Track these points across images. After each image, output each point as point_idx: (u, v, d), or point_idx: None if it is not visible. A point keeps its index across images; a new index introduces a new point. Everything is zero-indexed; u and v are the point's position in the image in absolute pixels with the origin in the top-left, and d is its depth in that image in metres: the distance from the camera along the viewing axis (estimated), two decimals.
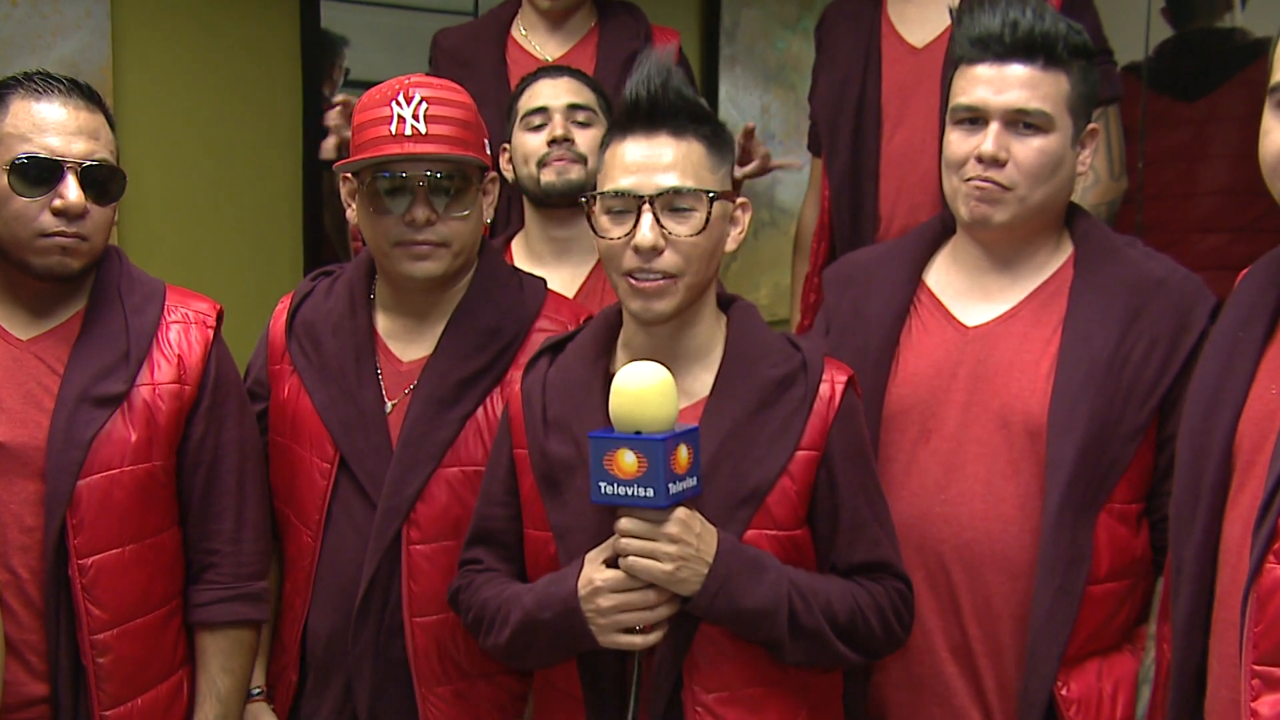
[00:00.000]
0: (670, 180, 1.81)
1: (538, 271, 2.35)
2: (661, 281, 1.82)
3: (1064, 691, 1.92)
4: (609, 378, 1.85)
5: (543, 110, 2.58)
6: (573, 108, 2.57)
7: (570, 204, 2.54)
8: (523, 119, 2.61)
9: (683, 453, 1.72)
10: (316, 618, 2.13)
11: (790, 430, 1.84)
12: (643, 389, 1.70)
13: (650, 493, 1.70)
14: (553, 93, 2.59)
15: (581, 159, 2.54)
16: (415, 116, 2.03)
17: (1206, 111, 3.63)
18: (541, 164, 2.55)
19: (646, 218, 1.80)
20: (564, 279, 2.56)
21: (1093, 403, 1.92)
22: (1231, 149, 3.71)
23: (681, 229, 1.82)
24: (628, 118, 1.86)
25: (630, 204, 1.82)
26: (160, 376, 2.03)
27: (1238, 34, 3.75)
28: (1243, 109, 3.59)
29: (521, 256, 2.65)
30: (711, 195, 1.83)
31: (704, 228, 1.82)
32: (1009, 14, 1.96)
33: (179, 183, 3.35)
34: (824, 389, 1.86)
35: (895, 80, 2.61)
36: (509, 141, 2.65)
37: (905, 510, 1.99)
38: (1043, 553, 1.92)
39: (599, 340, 1.95)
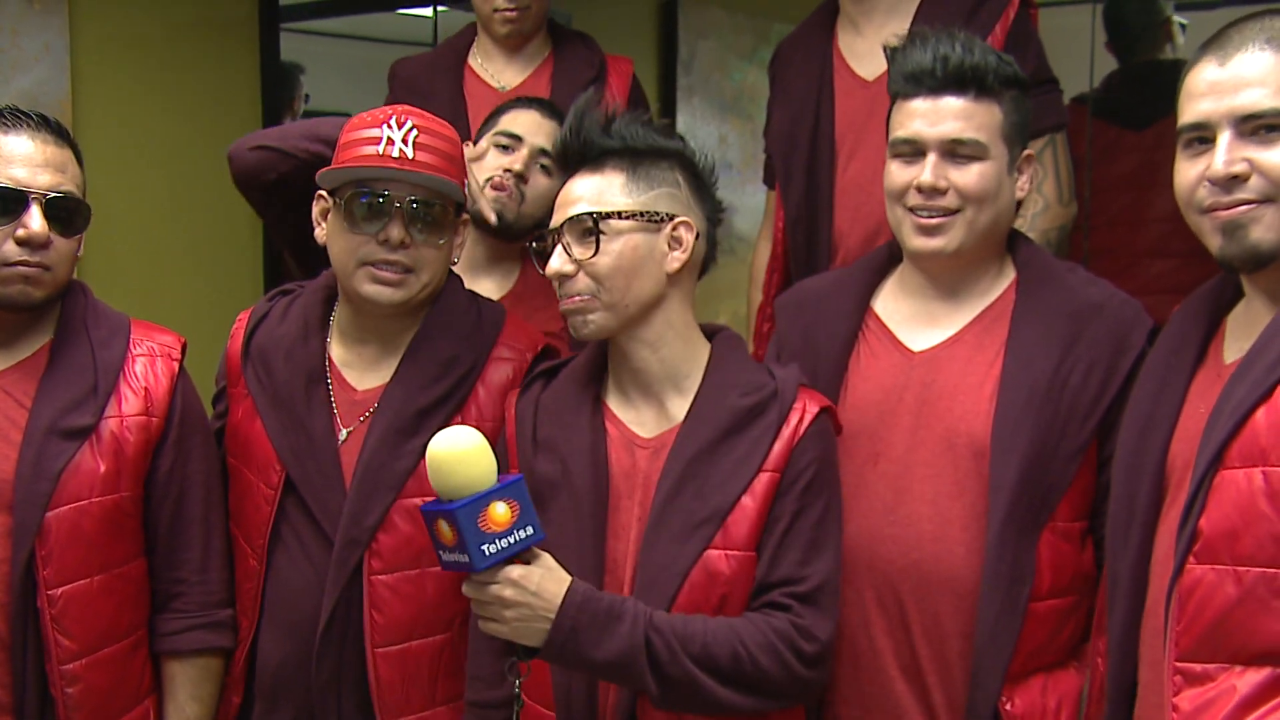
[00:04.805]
0: (579, 209, 1.92)
1: (475, 278, 2.37)
2: (577, 300, 1.92)
3: (1009, 707, 1.95)
4: (598, 401, 1.96)
5: (517, 138, 2.62)
6: (543, 152, 2.60)
7: (490, 231, 2.58)
8: (495, 134, 2.64)
9: (498, 509, 1.68)
10: (267, 644, 2.13)
11: (756, 453, 1.88)
12: (437, 456, 1.69)
13: (465, 558, 1.69)
14: (534, 129, 2.63)
15: (522, 198, 2.59)
16: (404, 141, 2.05)
17: (1155, 139, 3.66)
18: (489, 181, 2.58)
19: (558, 248, 1.92)
20: (495, 284, 2.63)
21: (1034, 424, 1.96)
22: None
23: (585, 253, 1.91)
24: (560, 165, 2.01)
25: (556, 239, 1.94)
26: (128, 409, 2.05)
27: (1181, 65, 3.80)
28: None
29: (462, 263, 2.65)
30: (595, 215, 1.90)
31: (596, 250, 1.90)
32: (939, 49, 2.03)
33: (139, 213, 3.36)
34: (793, 416, 1.91)
35: (847, 113, 2.65)
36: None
37: (855, 532, 2.01)
38: (986, 571, 1.95)
39: (592, 364, 2.01)
